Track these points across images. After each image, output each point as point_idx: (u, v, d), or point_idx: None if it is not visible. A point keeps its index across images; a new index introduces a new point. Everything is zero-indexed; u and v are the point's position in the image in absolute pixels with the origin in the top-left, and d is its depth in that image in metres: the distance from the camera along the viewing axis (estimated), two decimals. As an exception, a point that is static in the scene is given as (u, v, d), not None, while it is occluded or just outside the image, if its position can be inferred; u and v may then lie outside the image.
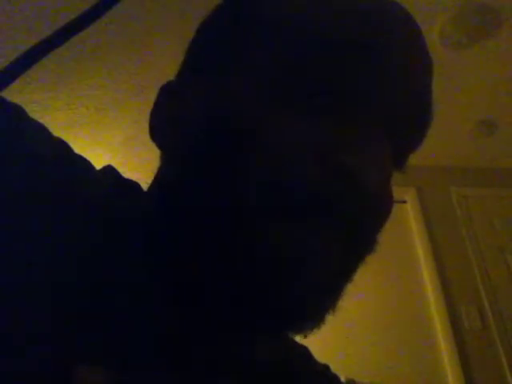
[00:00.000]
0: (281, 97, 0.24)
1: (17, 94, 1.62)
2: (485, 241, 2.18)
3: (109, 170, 0.30)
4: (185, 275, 0.25)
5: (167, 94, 0.31)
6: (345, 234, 0.23)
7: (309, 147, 0.23)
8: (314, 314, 0.24)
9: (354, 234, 0.24)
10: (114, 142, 2.08)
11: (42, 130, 0.26)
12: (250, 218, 0.22)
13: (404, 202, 2.27)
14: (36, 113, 1.83)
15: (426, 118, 0.28)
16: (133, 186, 0.30)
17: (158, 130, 0.30)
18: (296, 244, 0.22)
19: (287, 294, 0.22)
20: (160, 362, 0.22)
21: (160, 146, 0.29)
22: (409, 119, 0.26)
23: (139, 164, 2.00)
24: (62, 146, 0.27)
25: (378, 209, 0.25)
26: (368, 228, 0.25)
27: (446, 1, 1.47)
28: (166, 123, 0.29)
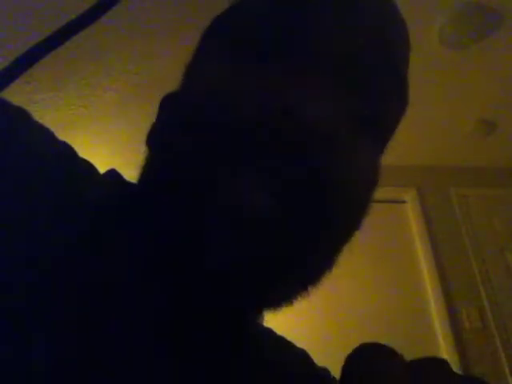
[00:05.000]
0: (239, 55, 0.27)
1: (17, 94, 1.62)
2: (485, 241, 2.18)
3: (112, 173, 0.30)
4: (185, 271, 0.25)
5: (167, 102, 0.32)
6: (310, 190, 0.23)
7: (257, 93, 0.25)
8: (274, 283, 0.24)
9: (322, 191, 0.23)
10: (114, 141, 2.08)
11: (45, 131, 0.26)
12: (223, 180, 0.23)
13: (404, 201, 2.28)
14: (36, 113, 1.81)
15: (381, 70, 0.28)
16: (135, 188, 0.30)
17: (159, 132, 0.31)
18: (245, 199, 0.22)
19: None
20: (160, 353, 0.22)
21: (152, 145, 0.30)
22: (360, 69, 0.27)
23: (139, 164, 1.99)
24: (66, 148, 0.27)
25: (341, 157, 0.24)
26: (338, 185, 0.24)
27: (445, 1, 1.47)
28: (168, 124, 0.30)
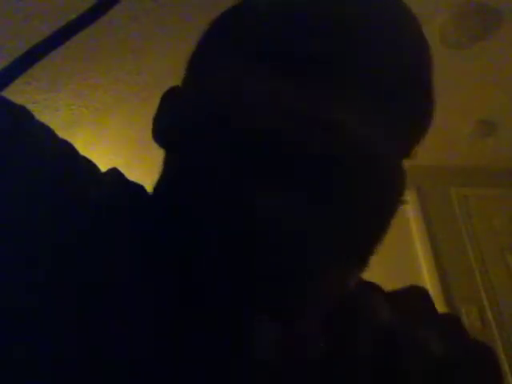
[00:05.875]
0: (280, 73, 0.25)
1: (17, 94, 1.62)
2: (485, 241, 2.18)
3: (113, 171, 0.30)
4: (186, 272, 0.25)
5: (171, 96, 0.32)
6: (344, 206, 0.23)
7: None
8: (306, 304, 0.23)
9: (353, 204, 0.23)
10: (114, 142, 2.08)
11: (46, 130, 0.26)
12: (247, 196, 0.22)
13: (404, 201, 2.27)
14: (36, 113, 1.82)
15: (417, 89, 0.30)
16: (137, 187, 0.30)
17: (162, 131, 0.31)
18: (283, 217, 0.22)
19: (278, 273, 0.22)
20: (160, 353, 0.22)
21: (163, 145, 0.30)
22: (396, 89, 0.28)
23: (140, 164, 1.99)
24: (67, 147, 0.27)
25: (377, 173, 0.25)
26: (369, 199, 0.24)
27: (445, 1, 1.47)
28: (170, 123, 0.30)
